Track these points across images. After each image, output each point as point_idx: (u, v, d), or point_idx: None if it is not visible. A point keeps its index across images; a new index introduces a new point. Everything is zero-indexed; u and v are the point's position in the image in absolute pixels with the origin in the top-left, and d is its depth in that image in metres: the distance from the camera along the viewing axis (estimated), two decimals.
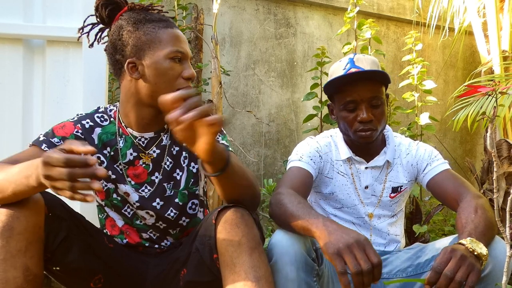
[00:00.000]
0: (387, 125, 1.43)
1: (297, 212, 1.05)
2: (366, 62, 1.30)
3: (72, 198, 0.80)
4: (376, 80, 1.28)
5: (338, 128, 1.42)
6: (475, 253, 0.95)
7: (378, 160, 1.36)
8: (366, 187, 1.37)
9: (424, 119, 2.55)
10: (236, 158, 1.07)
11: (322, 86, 2.70)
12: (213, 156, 0.91)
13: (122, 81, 1.16)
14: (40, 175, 0.82)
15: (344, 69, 1.30)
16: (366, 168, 1.36)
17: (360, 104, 1.27)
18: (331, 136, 1.42)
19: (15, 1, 1.63)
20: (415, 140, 1.45)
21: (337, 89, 1.31)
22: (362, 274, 0.88)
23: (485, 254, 0.96)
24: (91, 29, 1.21)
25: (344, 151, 1.36)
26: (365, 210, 1.37)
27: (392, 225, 1.39)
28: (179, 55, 1.12)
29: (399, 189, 1.38)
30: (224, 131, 1.24)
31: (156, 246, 1.23)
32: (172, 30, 1.13)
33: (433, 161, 1.34)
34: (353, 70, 1.28)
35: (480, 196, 1.18)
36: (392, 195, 1.37)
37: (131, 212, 1.19)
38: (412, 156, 1.37)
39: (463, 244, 0.97)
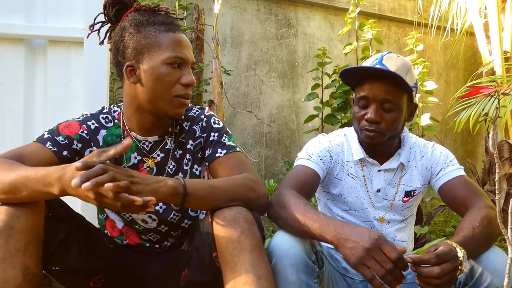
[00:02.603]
0: None
1: (305, 216, 1.03)
2: (395, 62, 1.22)
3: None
4: (395, 83, 1.21)
5: (352, 127, 1.38)
6: (459, 267, 0.96)
7: (392, 163, 1.31)
8: (378, 191, 1.32)
9: (425, 120, 2.55)
10: (201, 182, 1.03)
11: (323, 86, 2.70)
12: (160, 200, 0.93)
13: (124, 84, 1.15)
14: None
15: (371, 63, 1.25)
16: (379, 170, 1.32)
17: (371, 103, 1.22)
18: (345, 135, 1.36)
19: (16, 1, 1.63)
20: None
21: (357, 82, 1.27)
22: (389, 274, 0.91)
23: (464, 271, 0.97)
24: (101, 27, 1.20)
25: (358, 152, 1.31)
26: (376, 214, 1.32)
27: (400, 230, 1.35)
28: (178, 60, 1.09)
29: (412, 193, 1.33)
30: (230, 132, 1.23)
31: (157, 246, 1.23)
32: (174, 34, 1.10)
33: (447, 166, 1.29)
34: (377, 67, 1.21)
35: (492, 207, 1.14)
36: (405, 199, 1.33)
37: (130, 218, 1.19)
38: (427, 159, 1.32)
39: (457, 252, 0.97)
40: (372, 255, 0.92)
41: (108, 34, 1.21)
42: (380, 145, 1.28)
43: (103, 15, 1.18)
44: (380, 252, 0.92)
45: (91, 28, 1.19)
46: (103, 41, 1.20)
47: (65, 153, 1.11)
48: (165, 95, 1.10)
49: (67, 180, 0.87)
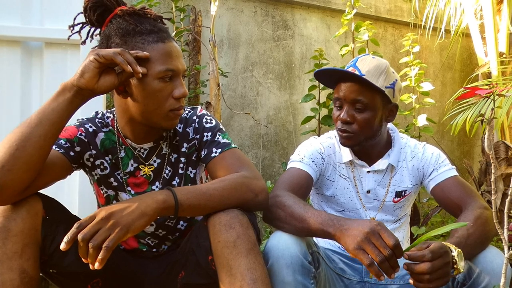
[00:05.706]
0: (393, 126, 1.38)
1: (306, 214, 1.04)
2: (368, 64, 1.23)
3: None
4: (366, 84, 1.22)
5: None
6: (455, 266, 0.97)
7: (381, 164, 1.32)
8: (368, 191, 1.33)
9: (421, 120, 2.56)
10: (193, 188, 1.01)
11: (320, 88, 2.70)
12: (155, 218, 0.94)
13: (114, 95, 1.11)
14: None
15: (348, 65, 1.28)
16: (368, 172, 1.33)
17: (344, 104, 1.25)
18: (335, 137, 1.38)
19: (13, 3, 1.63)
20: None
21: (334, 84, 1.30)
22: (387, 260, 0.92)
23: (461, 271, 0.98)
24: (81, 28, 1.13)
25: (346, 154, 1.33)
26: (367, 215, 1.33)
27: (394, 230, 1.35)
28: (169, 73, 1.04)
29: (403, 193, 1.34)
30: (223, 129, 1.21)
31: (154, 250, 1.22)
32: (163, 45, 1.04)
33: (440, 167, 1.29)
34: (350, 69, 1.25)
35: (486, 208, 1.15)
36: (396, 199, 1.33)
37: None
38: (418, 159, 1.32)
39: (451, 251, 0.98)
40: (371, 240, 0.93)
41: (91, 33, 1.14)
42: (357, 146, 1.29)
43: (83, 16, 1.11)
44: (379, 238, 0.93)
45: (71, 29, 1.12)
46: (85, 41, 1.14)
47: (72, 153, 1.10)
48: (158, 110, 1.06)
49: None
